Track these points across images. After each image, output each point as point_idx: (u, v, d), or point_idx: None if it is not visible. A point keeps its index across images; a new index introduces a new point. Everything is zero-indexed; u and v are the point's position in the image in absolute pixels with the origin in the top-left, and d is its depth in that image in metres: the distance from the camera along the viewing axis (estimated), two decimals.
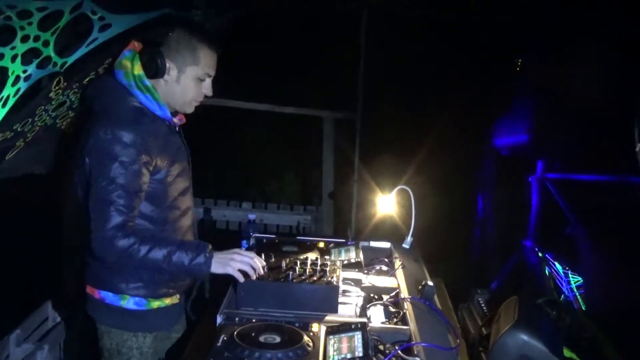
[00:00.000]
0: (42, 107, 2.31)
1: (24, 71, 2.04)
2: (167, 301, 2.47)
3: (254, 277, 2.33)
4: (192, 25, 2.40)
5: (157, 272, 2.33)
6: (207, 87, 2.40)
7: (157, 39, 2.28)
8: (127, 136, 2.16)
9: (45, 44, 2.04)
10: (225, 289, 2.46)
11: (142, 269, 2.31)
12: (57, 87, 2.24)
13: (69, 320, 3.22)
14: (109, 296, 2.38)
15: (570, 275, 3.95)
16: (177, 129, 2.46)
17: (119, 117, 2.20)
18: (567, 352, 2.39)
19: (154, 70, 2.27)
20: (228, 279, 2.36)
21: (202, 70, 2.34)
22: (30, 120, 2.31)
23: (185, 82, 2.33)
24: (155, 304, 2.43)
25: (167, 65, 2.28)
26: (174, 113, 2.41)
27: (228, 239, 2.39)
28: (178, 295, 2.53)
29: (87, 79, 2.42)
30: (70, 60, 2.21)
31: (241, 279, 2.30)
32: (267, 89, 5.11)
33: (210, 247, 2.32)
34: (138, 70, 2.27)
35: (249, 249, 2.83)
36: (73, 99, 2.50)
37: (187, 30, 2.31)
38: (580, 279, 3.90)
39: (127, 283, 2.36)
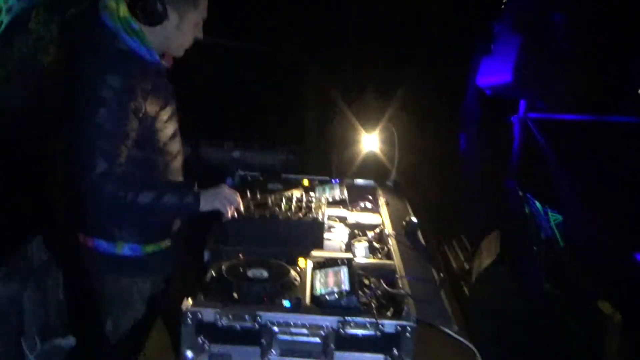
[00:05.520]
0: (21, 36, 2.25)
1: (5, 2, 1.98)
2: (162, 245, 2.45)
3: (236, 215, 2.34)
4: None
5: (148, 216, 2.28)
6: (199, 31, 2.36)
7: None
8: (116, 80, 2.09)
9: None
10: (208, 226, 2.47)
11: (132, 214, 2.26)
12: (36, 18, 2.18)
13: (55, 262, 3.19)
14: (102, 244, 2.34)
15: (549, 213, 4.01)
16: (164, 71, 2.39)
17: (107, 61, 2.12)
18: (547, 285, 2.45)
19: (156, 17, 2.18)
20: (211, 217, 2.36)
21: (200, 14, 2.30)
22: (8, 49, 2.26)
23: (185, 28, 2.28)
24: (150, 248, 2.40)
25: (169, 12, 2.20)
26: (161, 56, 2.34)
27: (211, 177, 2.37)
28: (169, 239, 2.50)
29: (69, 13, 2.34)
30: None
31: (229, 213, 2.31)
32: (245, 28, 5.00)
33: (196, 184, 2.29)
34: (124, 12, 2.17)
35: (233, 187, 2.83)
36: (54, 33, 2.43)
37: None
38: (559, 216, 3.96)
39: (119, 229, 2.32)
